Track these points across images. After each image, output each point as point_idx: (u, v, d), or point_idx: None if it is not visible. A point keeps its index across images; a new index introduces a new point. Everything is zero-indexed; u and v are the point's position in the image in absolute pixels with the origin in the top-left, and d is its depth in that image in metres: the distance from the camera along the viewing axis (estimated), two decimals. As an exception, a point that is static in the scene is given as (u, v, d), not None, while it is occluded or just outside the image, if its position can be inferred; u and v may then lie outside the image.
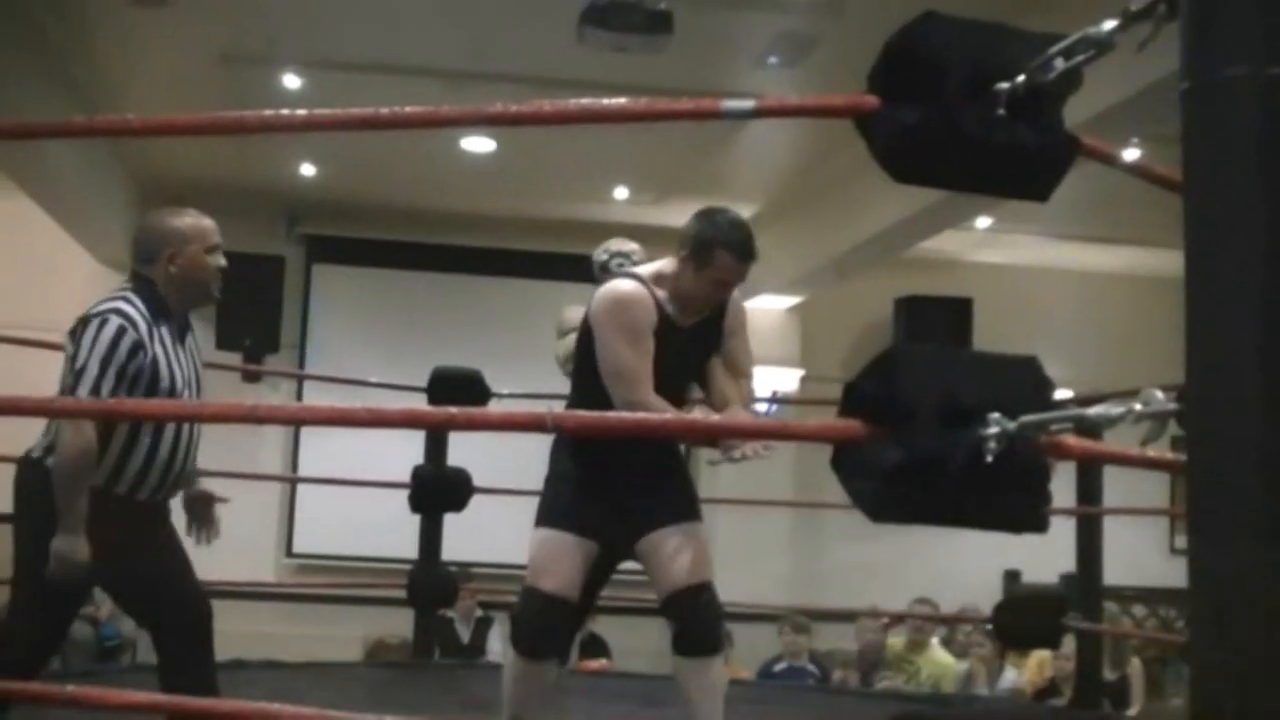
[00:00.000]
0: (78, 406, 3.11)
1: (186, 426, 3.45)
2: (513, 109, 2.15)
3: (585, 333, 3.80)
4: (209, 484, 3.78)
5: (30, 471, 3.34)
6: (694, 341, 3.86)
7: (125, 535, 3.32)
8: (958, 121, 1.90)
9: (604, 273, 4.10)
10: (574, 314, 4.11)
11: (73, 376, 3.26)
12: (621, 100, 2.18)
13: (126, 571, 3.38)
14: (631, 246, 4.44)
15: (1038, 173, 2.02)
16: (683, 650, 3.85)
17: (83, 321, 3.32)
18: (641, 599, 8.99)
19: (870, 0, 6.07)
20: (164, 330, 3.43)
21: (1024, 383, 1.99)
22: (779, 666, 8.17)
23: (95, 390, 3.23)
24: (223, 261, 3.62)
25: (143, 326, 3.34)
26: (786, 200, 9.43)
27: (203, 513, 3.81)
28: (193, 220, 3.57)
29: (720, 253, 3.75)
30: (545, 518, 3.83)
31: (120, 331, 3.29)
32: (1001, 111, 1.89)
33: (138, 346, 3.30)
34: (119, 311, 3.33)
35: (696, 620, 3.83)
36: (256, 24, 6.92)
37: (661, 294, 3.81)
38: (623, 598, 8.26)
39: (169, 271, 3.47)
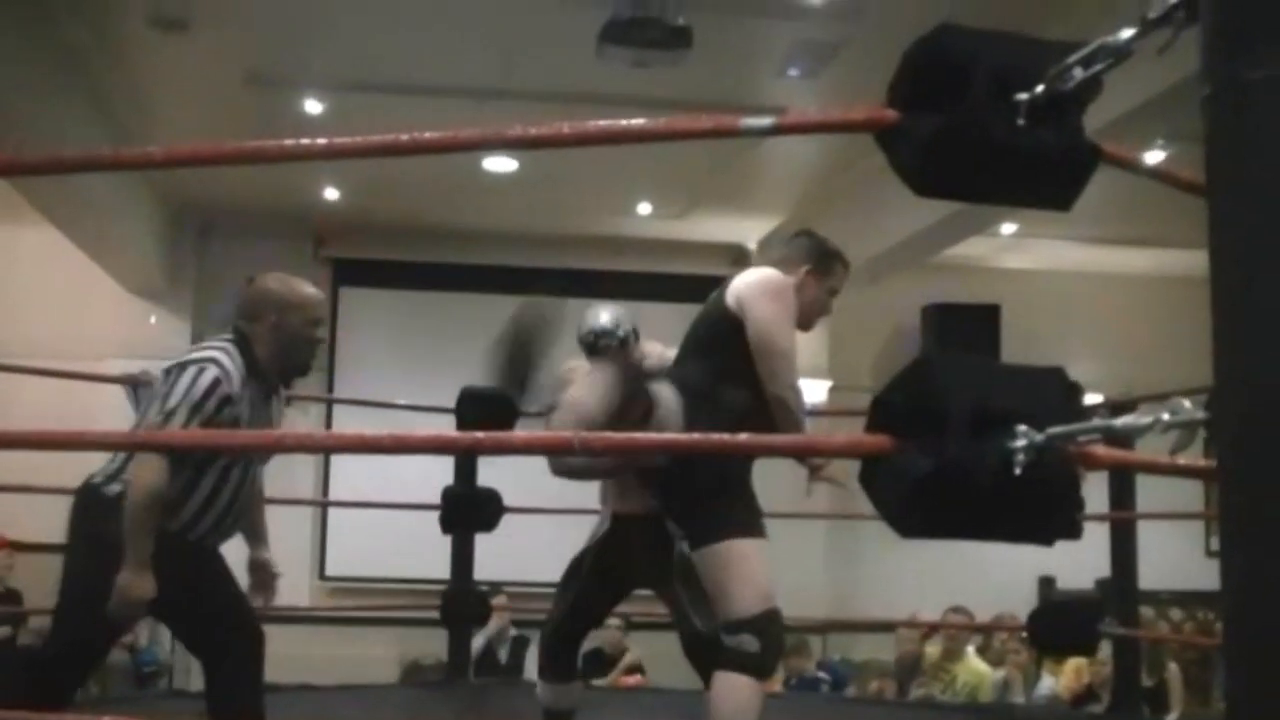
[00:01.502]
0: (111, 439, 3.12)
1: (247, 474, 3.50)
2: (531, 131, 2.15)
3: (727, 319, 3.73)
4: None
5: (91, 499, 3.35)
6: None
7: (175, 569, 3.30)
8: (978, 133, 1.89)
9: (595, 355, 3.90)
10: (571, 367, 4.03)
11: (161, 415, 3.29)
12: (640, 121, 2.17)
13: (180, 603, 3.39)
14: (608, 317, 4.05)
15: (1060, 182, 2.01)
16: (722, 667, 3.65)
17: (180, 365, 3.37)
18: (670, 614, 8.99)
19: (889, 9, 6.08)
20: (253, 389, 3.47)
21: (1052, 393, 1.97)
22: (791, 682, 8.13)
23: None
24: (323, 336, 3.70)
25: (236, 382, 3.39)
26: (811, 210, 9.41)
27: (262, 579, 3.89)
28: (303, 290, 3.64)
29: (838, 264, 3.95)
30: (745, 526, 3.61)
31: (215, 383, 3.34)
32: (1022, 121, 1.88)
33: (226, 401, 3.35)
34: (217, 363, 3.38)
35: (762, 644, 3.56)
36: (280, 46, 6.96)
37: None
38: (657, 613, 8.29)
39: (271, 334, 3.53)
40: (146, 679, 8.06)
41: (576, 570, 4.14)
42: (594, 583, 4.08)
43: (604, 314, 4.01)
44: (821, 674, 8.18)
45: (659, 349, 4.04)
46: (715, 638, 3.46)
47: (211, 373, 3.35)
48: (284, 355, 3.56)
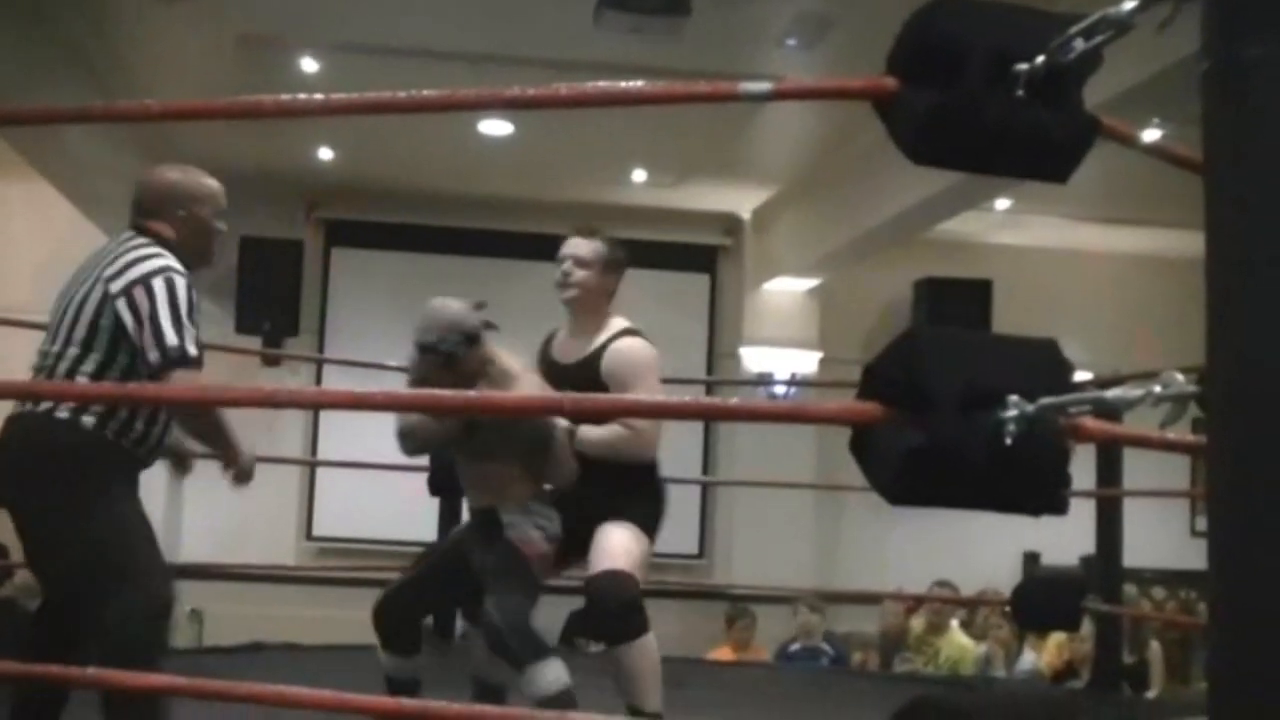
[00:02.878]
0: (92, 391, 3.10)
1: None
2: (530, 92, 2.15)
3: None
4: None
5: (65, 432, 3.20)
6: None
7: (105, 479, 3.24)
8: (977, 103, 1.89)
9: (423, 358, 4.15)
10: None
11: (177, 337, 3.20)
12: (639, 83, 2.17)
13: (93, 520, 3.20)
14: (435, 333, 3.99)
15: (1058, 154, 2.01)
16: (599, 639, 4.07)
17: (146, 276, 3.25)
18: (653, 581, 9.02)
19: (889, -19, 6.05)
20: None
21: (1043, 365, 1.98)
22: (794, 647, 8.18)
23: (195, 344, 3.25)
24: (224, 227, 3.59)
25: None
26: (805, 182, 9.41)
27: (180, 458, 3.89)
28: (208, 180, 3.57)
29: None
30: (651, 530, 4.19)
31: (189, 288, 3.31)
32: (1021, 93, 1.88)
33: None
34: (177, 270, 3.31)
35: (594, 609, 3.95)
36: (273, 7, 6.92)
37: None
38: (659, 581, 8.30)
39: (180, 229, 3.46)
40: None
41: (433, 549, 4.40)
42: (442, 562, 4.20)
43: (437, 323, 3.98)
44: (825, 645, 8.21)
45: (515, 362, 4.04)
46: (508, 632, 3.73)
47: (184, 281, 3.30)
48: (193, 249, 3.48)
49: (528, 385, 3.90)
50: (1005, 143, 1.95)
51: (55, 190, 8.39)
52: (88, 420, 3.21)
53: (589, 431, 4.01)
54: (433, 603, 4.21)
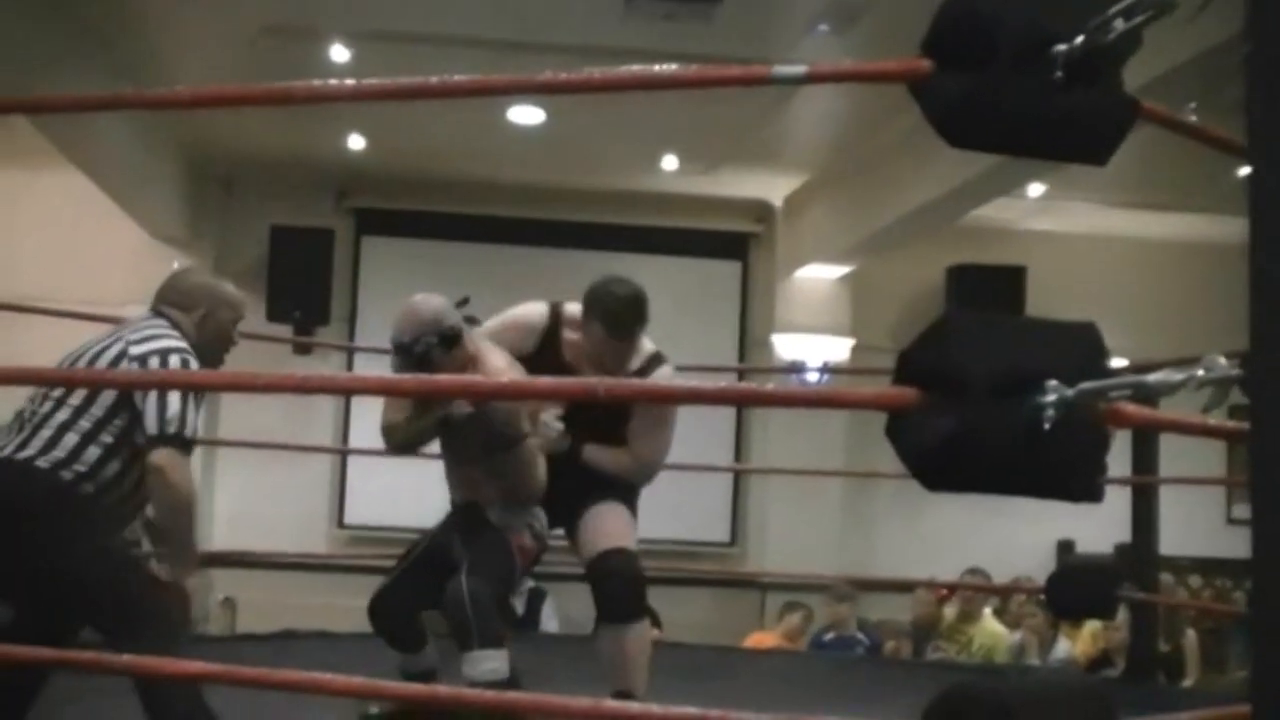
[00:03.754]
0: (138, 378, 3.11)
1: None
2: (563, 77, 2.13)
3: None
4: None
5: (59, 496, 3.23)
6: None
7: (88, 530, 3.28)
8: (1014, 85, 1.87)
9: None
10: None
11: (178, 412, 3.27)
12: (672, 67, 2.15)
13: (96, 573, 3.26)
14: (410, 333, 3.97)
15: (1096, 137, 1.98)
16: (600, 616, 3.98)
17: (162, 354, 3.35)
18: (685, 569, 9.01)
19: (921, -35, 6.00)
20: None
21: (1081, 350, 1.96)
22: (828, 636, 8.16)
23: (193, 431, 3.32)
24: (238, 340, 3.73)
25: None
26: (836, 169, 9.36)
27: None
28: (234, 290, 3.73)
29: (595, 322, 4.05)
30: (636, 513, 4.20)
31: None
32: (1059, 74, 1.85)
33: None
34: (189, 354, 3.42)
35: (604, 587, 3.95)
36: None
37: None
38: (669, 568, 8.29)
39: (199, 325, 3.56)
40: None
41: (413, 547, 4.37)
42: (426, 556, 4.22)
43: (409, 321, 3.95)
44: (859, 635, 8.19)
45: (498, 362, 3.99)
46: (471, 608, 3.75)
47: (194, 364, 3.41)
48: (208, 349, 3.57)
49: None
50: (1043, 125, 1.93)
51: (90, 180, 8.41)
52: (66, 475, 3.25)
53: (594, 455, 4.07)
54: (423, 599, 4.19)
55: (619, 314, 4.00)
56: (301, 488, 9.89)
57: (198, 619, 3.65)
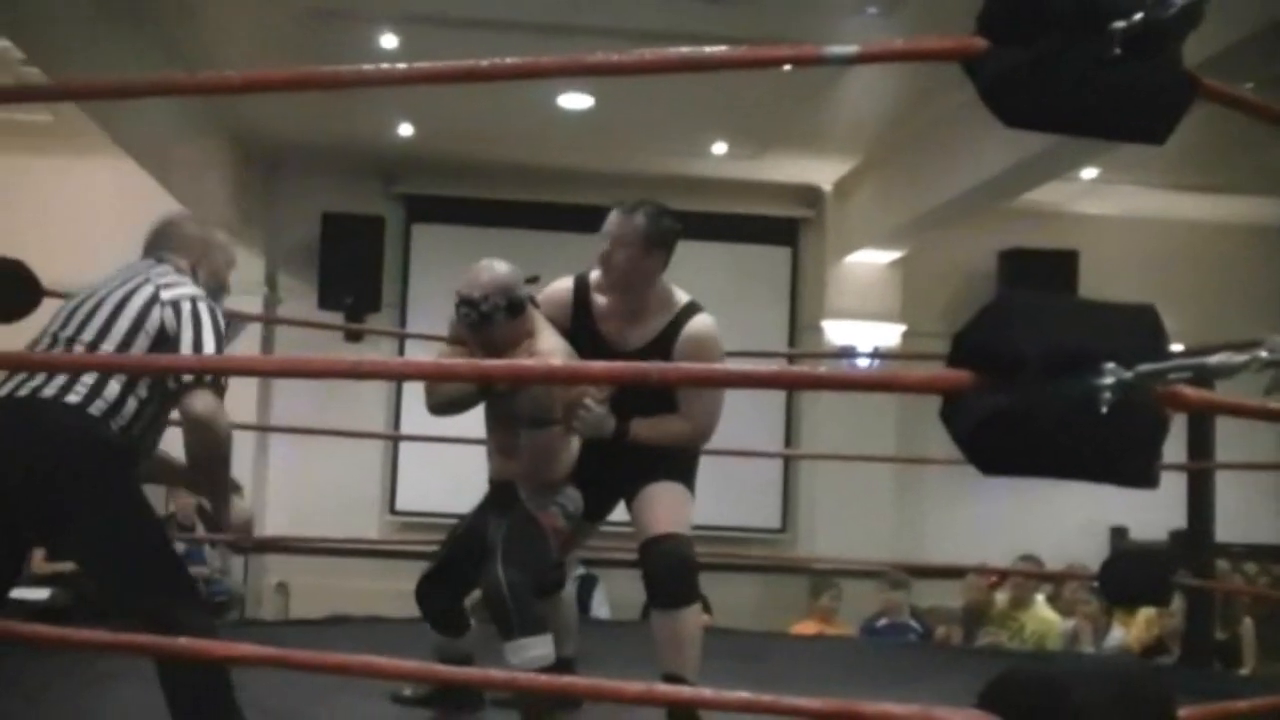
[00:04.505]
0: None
1: None
2: (614, 58, 2.11)
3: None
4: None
5: (89, 423, 3.17)
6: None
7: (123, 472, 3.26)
8: (1070, 62, 1.84)
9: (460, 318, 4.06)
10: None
11: (213, 337, 3.32)
12: (722, 49, 2.13)
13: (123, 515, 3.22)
14: (479, 289, 3.99)
15: (1154, 115, 1.95)
16: (651, 601, 3.95)
17: (192, 300, 3.35)
18: (735, 555, 9.00)
19: (972, -55, 5.95)
20: None
21: (1140, 331, 1.93)
22: (881, 623, 8.13)
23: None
24: (230, 283, 3.76)
25: None
26: (886, 152, 9.31)
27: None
28: (224, 237, 3.78)
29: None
30: (693, 487, 4.13)
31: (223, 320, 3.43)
32: (1117, 51, 1.82)
33: None
34: (210, 299, 3.44)
35: (654, 572, 3.90)
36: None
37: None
38: (719, 554, 8.28)
39: (195, 272, 3.57)
40: (216, 609, 8.16)
41: (453, 531, 4.40)
42: (465, 540, 4.24)
43: (481, 279, 3.97)
44: (912, 622, 8.15)
45: (552, 343, 4.00)
46: (510, 599, 3.77)
47: (217, 310, 3.42)
48: (207, 290, 3.56)
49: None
50: (1100, 103, 1.89)
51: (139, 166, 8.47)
52: (114, 424, 3.21)
53: (643, 430, 3.98)
54: (467, 583, 4.21)
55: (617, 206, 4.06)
56: (353, 474, 9.94)
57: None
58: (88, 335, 3.28)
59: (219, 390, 3.25)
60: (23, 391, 3.16)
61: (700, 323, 3.99)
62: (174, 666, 3.05)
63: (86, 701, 4.14)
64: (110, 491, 3.15)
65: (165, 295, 3.33)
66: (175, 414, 3.25)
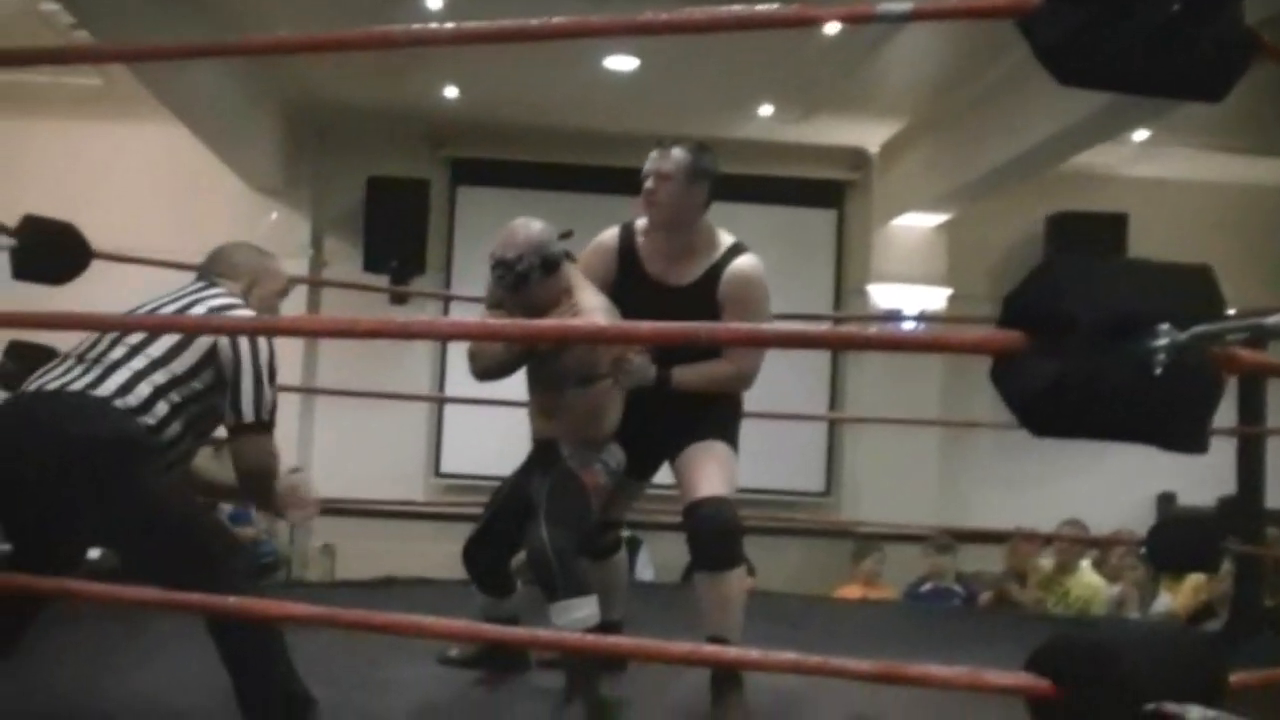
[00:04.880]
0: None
1: None
2: (662, 17, 2.10)
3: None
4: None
5: (113, 415, 3.22)
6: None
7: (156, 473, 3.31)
8: (1128, 16, 1.81)
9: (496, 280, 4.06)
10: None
11: (271, 406, 3.43)
12: (773, 6, 2.11)
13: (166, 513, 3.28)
14: (514, 250, 3.98)
15: (1213, 71, 1.92)
16: (695, 563, 3.92)
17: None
18: (779, 518, 8.99)
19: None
20: None
21: (1194, 293, 1.91)
22: (925, 587, 8.12)
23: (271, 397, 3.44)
24: (278, 314, 3.87)
25: None
26: (934, 115, 9.24)
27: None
28: (278, 265, 3.86)
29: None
30: (737, 446, 4.12)
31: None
32: (1176, 6, 1.80)
33: None
34: None
35: (697, 533, 3.88)
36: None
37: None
38: (763, 517, 8.27)
39: (246, 297, 3.65)
40: (263, 570, 8.22)
41: (498, 493, 4.41)
42: (509, 501, 4.29)
43: (516, 239, 3.98)
44: (956, 587, 8.14)
45: (592, 300, 4.00)
46: (555, 560, 3.76)
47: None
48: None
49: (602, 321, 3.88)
50: (1158, 60, 1.87)
51: (189, 131, 8.51)
52: (142, 421, 3.26)
53: (686, 375, 3.96)
54: (512, 544, 4.24)
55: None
56: (398, 436, 9.99)
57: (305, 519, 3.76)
58: (132, 339, 3.35)
59: (270, 429, 3.40)
60: (51, 385, 3.24)
61: (745, 262, 3.99)
62: (227, 632, 3.09)
63: (143, 664, 4.18)
64: (132, 483, 3.17)
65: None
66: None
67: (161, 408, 3.28)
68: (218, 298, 3.52)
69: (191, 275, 3.76)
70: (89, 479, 3.10)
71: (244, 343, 3.38)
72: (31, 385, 3.29)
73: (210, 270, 3.69)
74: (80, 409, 3.19)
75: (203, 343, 3.36)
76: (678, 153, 3.99)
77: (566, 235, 4.07)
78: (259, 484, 3.46)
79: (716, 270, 3.98)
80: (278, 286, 3.78)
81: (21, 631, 3.30)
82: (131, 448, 3.20)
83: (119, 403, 3.22)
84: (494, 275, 3.95)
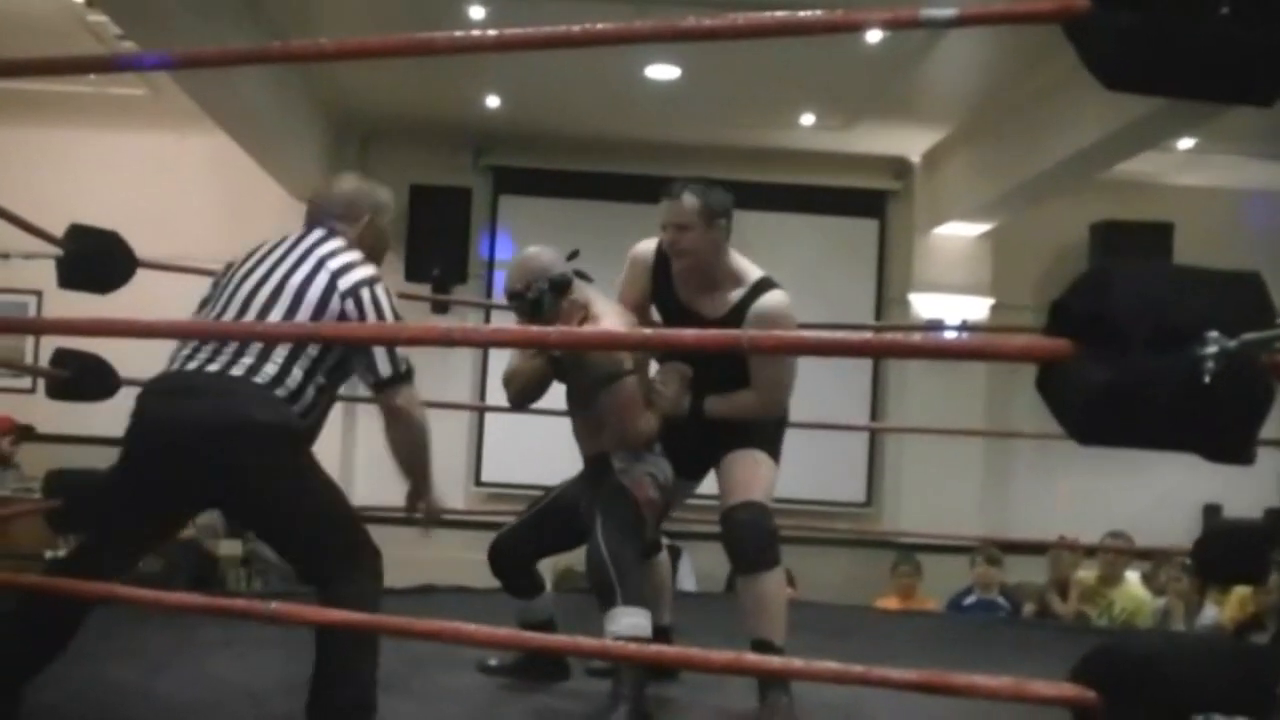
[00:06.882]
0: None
1: None
2: (705, 23, 2.10)
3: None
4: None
5: (277, 405, 3.25)
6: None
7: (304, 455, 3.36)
8: (1177, 21, 1.79)
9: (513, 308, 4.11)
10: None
11: (405, 356, 3.42)
12: (817, 13, 2.10)
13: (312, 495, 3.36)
14: (521, 280, 4.04)
15: (1263, 76, 1.89)
16: (734, 568, 4.00)
17: (370, 284, 3.41)
18: (821, 528, 8.95)
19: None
20: None
21: (1244, 300, 1.88)
22: (969, 599, 8.06)
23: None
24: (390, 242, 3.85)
25: None
26: (977, 123, 9.19)
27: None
28: (388, 193, 3.81)
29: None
30: (778, 455, 4.15)
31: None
32: (1225, 9, 1.78)
33: None
34: (381, 279, 3.49)
35: (732, 538, 3.94)
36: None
37: None
38: (804, 527, 8.24)
39: (364, 233, 3.63)
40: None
41: (549, 493, 4.47)
42: (553, 508, 4.35)
43: (523, 269, 4.00)
44: (1000, 599, 8.07)
45: (605, 307, 4.06)
46: (614, 570, 3.80)
47: (390, 290, 3.47)
48: (371, 253, 3.62)
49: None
50: (1206, 64, 1.85)
51: (232, 140, 8.56)
52: (297, 408, 3.29)
53: (719, 406, 4.05)
54: (543, 547, 4.27)
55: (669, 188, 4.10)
56: (439, 445, 9.86)
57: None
58: (252, 313, 3.34)
59: (410, 379, 3.41)
60: (213, 366, 3.24)
61: (772, 298, 4.00)
62: (334, 634, 3.11)
63: (190, 666, 4.20)
64: (292, 472, 3.25)
65: (342, 284, 3.38)
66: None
67: (309, 393, 3.31)
68: (336, 256, 3.45)
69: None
70: (262, 465, 3.17)
71: (367, 301, 3.36)
72: (189, 364, 3.27)
73: (327, 214, 3.62)
74: (247, 398, 3.21)
75: (331, 315, 3.34)
76: (688, 199, 4.04)
77: (573, 255, 4.10)
78: (412, 443, 3.51)
79: (744, 305, 4.00)
80: (389, 216, 3.78)
81: (73, 630, 3.31)
82: (296, 438, 3.28)
83: (280, 390, 3.25)
84: (512, 308, 4.00)
